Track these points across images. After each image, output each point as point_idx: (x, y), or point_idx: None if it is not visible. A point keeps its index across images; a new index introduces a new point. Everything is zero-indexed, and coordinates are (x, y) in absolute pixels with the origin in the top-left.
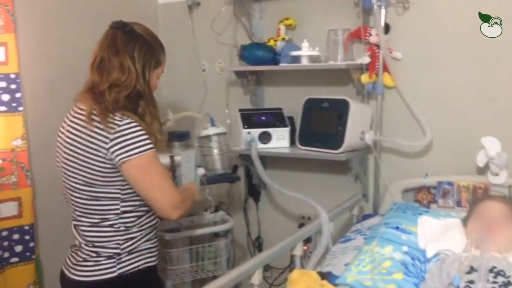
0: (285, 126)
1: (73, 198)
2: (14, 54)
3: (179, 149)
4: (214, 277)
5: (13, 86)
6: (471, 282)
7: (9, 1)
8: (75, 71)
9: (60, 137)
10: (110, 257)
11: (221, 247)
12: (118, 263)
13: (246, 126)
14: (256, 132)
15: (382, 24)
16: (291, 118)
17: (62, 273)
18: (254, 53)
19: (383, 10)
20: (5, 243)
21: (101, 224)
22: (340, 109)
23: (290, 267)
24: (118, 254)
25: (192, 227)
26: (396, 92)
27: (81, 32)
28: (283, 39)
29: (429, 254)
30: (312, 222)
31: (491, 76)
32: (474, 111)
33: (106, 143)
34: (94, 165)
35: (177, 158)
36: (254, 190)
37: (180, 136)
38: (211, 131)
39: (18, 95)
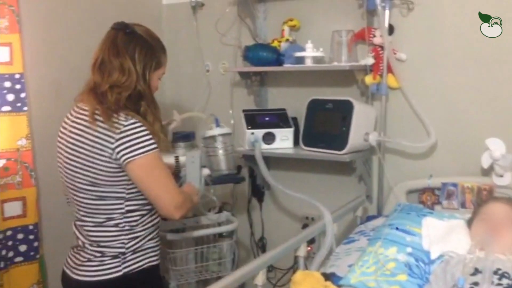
0: (289, 126)
1: (77, 198)
2: (19, 54)
3: (184, 150)
4: (219, 278)
5: (17, 86)
6: (476, 284)
7: (14, 2)
8: (79, 71)
9: (61, 137)
10: (115, 257)
11: (226, 248)
12: (123, 262)
13: (250, 127)
14: (260, 132)
15: (386, 25)
16: (295, 119)
17: (64, 274)
18: (258, 54)
19: (387, 11)
20: (10, 243)
21: (106, 223)
22: (344, 110)
23: (294, 268)
24: (123, 253)
25: (196, 228)
26: (400, 93)
27: (85, 33)
28: (287, 40)
29: (433, 256)
30: (316, 223)
31: (496, 77)
32: (479, 112)
33: (112, 143)
34: (99, 165)
35: (182, 159)
36: (258, 191)
37: (186, 137)
38: (216, 131)
39: (22, 95)
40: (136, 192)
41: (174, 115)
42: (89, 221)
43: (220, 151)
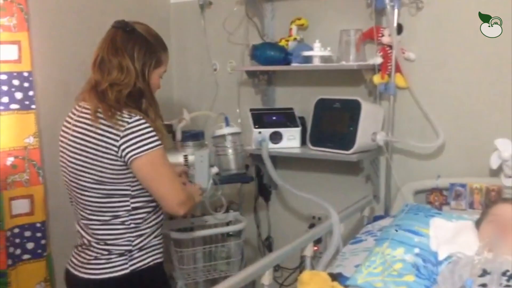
0: (296, 126)
1: (82, 197)
2: (27, 52)
3: (193, 149)
4: (227, 277)
5: (26, 84)
6: (484, 285)
7: (22, 0)
8: (87, 69)
9: (64, 137)
10: (121, 254)
11: (234, 247)
12: (130, 260)
13: (257, 126)
14: (267, 132)
15: (395, 24)
16: (302, 118)
17: (68, 272)
18: (265, 53)
19: (396, 10)
20: (17, 240)
21: (112, 221)
22: (351, 109)
23: (300, 267)
24: (130, 251)
25: (204, 227)
26: (409, 92)
27: (93, 31)
28: (295, 39)
29: (441, 257)
30: (323, 223)
31: (505, 77)
32: (487, 113)
33: (117, 141)
34: (104, 163)
35: (191, 158)
36: (265, 190)
37: (195, 136)
38: (225, 130)
39: (30, 93)
40: (141, 189)
41: (184, 114)
42: (95, 220)
43: (230, 151)
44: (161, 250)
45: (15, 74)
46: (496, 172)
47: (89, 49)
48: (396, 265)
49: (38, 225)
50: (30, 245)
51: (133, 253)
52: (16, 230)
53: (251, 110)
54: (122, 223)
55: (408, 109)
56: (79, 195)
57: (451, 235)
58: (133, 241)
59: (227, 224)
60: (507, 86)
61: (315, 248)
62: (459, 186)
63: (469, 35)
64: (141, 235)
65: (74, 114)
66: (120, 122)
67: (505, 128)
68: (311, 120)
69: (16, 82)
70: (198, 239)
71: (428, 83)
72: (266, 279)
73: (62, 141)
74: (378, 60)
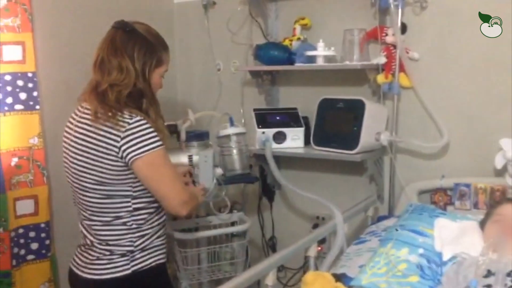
0: (300, 126)
1: (85, 198)
2: (31, 53)
3: (198, 149)
4: (231, 278)
5: (30, 85)
6: (489, 286)
7: (26, 0)
8: (91, 70)
9: (66, 137)
10: (123, 255)
11: (237, 248)
12: (132, 261)
13: (260, 126)
14: (270, 132)
15: (399, 23)
16: (306, 118)
17: (71, 272)
18: (269, 53)
19: (400, 10)
20: (22, 241)
21: (114, 222)
22: (355, 109)
23: (304, 267)
24: (132, 251)
25: (209, 227)
26: (413, 92)
27: (97, 31)
28: (299, 39)
29: (445, 257)
30: (327, 223)
31: (510, 77)
32: (492, 112)
33: (118, 142)
34: (106, 163)
35: (195, 158)
36: (269, 190)
37: (199, 136)
38: (230, 130)
39: (35, 93)
40: (142, 190)
41: (188, 114)
42: (97, 220)
43: (234, 151)
44: (164, 251)
45: (19, 74)
46: (500, 172)
47: (93, 49)
48: (401, 266)
49: (43, 225)
50: (34, 246)
51: (134, 253)
52: (21, 231)
53: (254, 110)
54: (124, 224)
55: (412, 109)
56: (81, 196)
57: (455, 236)
58: (135, 241)
59: (232, 224)
60: None
61: (319, 248)
62: (464, 186)
63: (473, 35)
64: (143, 236)
65: (76, 115)
66: (121, 123)
67: (510, 128)
68: (314, 120)
69: (20, 82)
70: (202, 240)
71: (432, 83)
72: (270, 279)
73: (65, 142)
74: (382, 59)
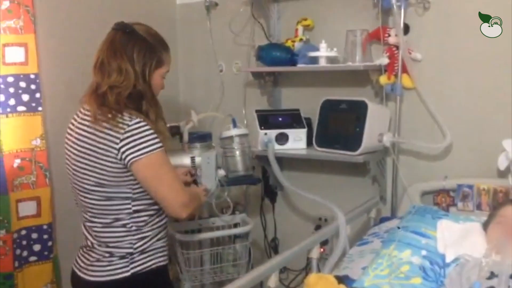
0: (302, 127)
1: (85, 199)
2: (34, 54)
3: (200, 150)
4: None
5: (32, 86)
6: None
7: (29, 2)
8: (92, 72)
9: (68, 139)
10: (123, 257)
11: (240, 250)
12: (131, 263)
13: (263, 127)
14: (273, 133)
15: (402, 24)
16: (308, 119)
17: (74, 274)
18: (271, 54)
19: (402, 10)
20: (24, 242)
21: (113, 224)
22: (358, 110)
23: (306, 269)
24: (131, 253)
25: (212, 229)
26: (415, 93)
27: (99, 33)
28: (301, 39)
29: (448, 259)
30: (329, 224)
31: None
32: (495, 113)
33: (117, 143)
34: (105, 165)
35: (198, 159)
36: (271, 191)
37: (202, 137)
38: (233, 132)
39: (37, 95)
40: (142, 192)
41: (191, 115)
42: (98, 222)
43: (237, 152)
44: (165, 253)
45: (22, 76)
46: (504, 173)
47: (96, 51)
48: (403, 267)
49: (45, 227)
50: (36, 247)
51: (134, 256)
52: (23, 232)
53: (257, 111)
54: (124, 226)
55: (415, 110)
56: (82, 197)
57: (458, 237)
58: (134, 244)
59: (234, 226)
60: None
61: (322, 250)
62: (467, 187)
63: (476, 35)
64: (143, 238)
65: (78, 116)
66: (121, 125)
67: None
68: (317, 121)
69: (23, 84)
70: (205, 241)
71: (435, 84)
72: (273, 281)
73: (67, 143)
74: (385, 60)
